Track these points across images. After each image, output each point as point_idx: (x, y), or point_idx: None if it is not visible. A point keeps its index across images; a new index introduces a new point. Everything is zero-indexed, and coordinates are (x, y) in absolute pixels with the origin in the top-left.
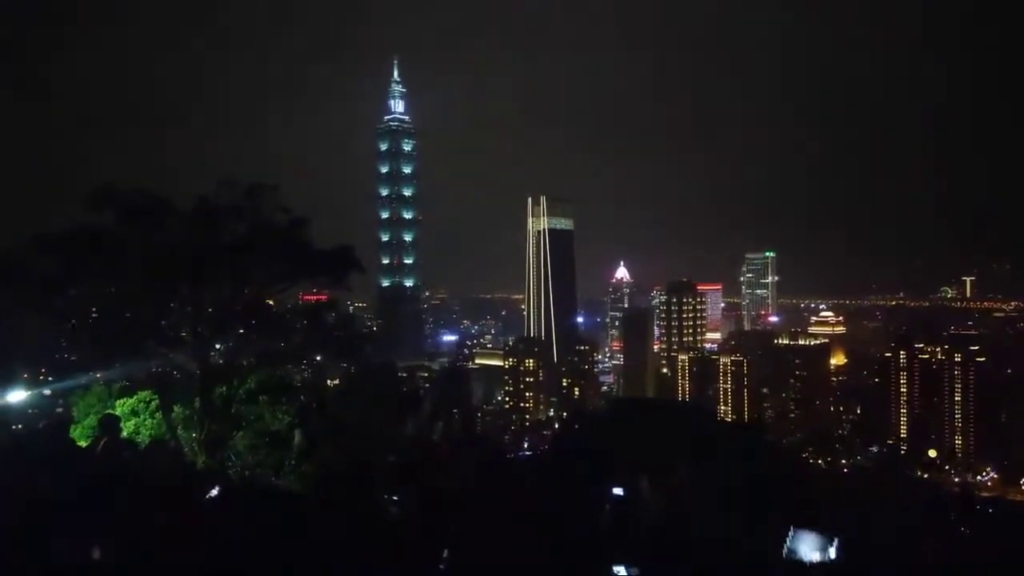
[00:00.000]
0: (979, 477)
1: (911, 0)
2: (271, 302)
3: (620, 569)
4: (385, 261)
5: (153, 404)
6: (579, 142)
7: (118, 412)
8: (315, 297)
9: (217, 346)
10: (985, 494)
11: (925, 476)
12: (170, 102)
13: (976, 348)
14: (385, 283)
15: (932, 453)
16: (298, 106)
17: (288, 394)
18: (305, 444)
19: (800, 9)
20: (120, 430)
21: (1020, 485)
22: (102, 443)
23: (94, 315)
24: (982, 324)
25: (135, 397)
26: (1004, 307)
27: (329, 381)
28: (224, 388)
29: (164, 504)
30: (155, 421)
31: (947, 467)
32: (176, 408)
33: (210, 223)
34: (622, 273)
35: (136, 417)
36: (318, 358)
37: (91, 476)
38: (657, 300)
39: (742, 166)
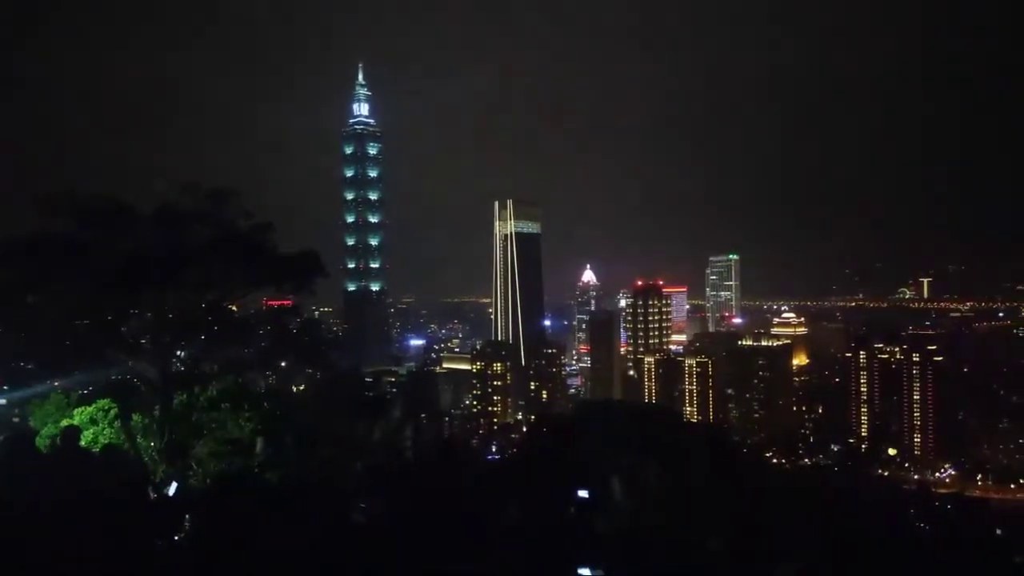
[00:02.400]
0: (938, 474)
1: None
2: (234, 308)
3: (585, 571)
4: (351, 265)
5: (112, 412)
6: (546, 146)
7: (76, 421)
8: (279, 302)
9: (179, 353)
10: (943, 491)
11: (885, 474)
12: (130, 106)
13: (934, 348)
14: (351, 287)
15: (892, 451)
16: (263, 110)
17: (251, 401)
18: (268, 452)
19: (762, 15)
20: (79, 440)
21: (977, 481)
22: (59, 452)
23: (51, 322)
24: (939, 324)
25: (94, 406)
26: (960, 307)
27: (294, 387)
28: (185, 395)
29: (123, 512)
30: (114, 430)
31: (907, 465)
32: (136, 416)
33: (172, 228)
34: (589, 276)
35: (95, 426)
36: (283, 364)
37: (50, 487)
38: (623, 303)
39: (707, 170)
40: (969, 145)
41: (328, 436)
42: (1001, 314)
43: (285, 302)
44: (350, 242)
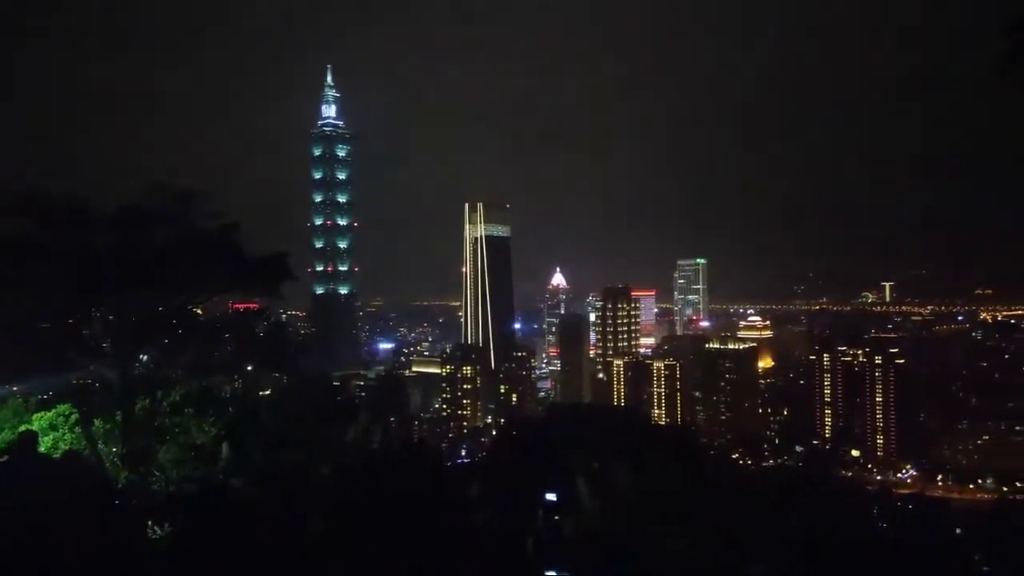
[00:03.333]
0: (899, 474)
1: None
2: (200, 311)
3: (551, 573)
4: (319, 268)
5: (73, 418)
6: (516, 150)
7: (35, 427)
8: (246, 305)
9: (142, 357)
10: (905, 491)
11: (848, 474)
12: (98, 106)
13: (895, 350)
14: (319, 291)
15: (855, 452)
16: (232, 110)
17: (216, 406)
18: (233, 457)
19: (731, 18)
20: (37, 445)
21: (938, 481)
22: (15, 458)
23: (9, 325)
24: (901, 327)
25: (53, 411)
26: (921, 311)
27: (261, 392)
28: (147, 400)
29: (82, 519)
30: (74, 436)
31: (869, 465)
32: (97, 422)
33: (136, 229)
34: (559, 279)
35: (54, 431)
36: (249, 368)
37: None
38: (593, 306)
39: (675, 175)
40: (930, 151)
41: (295, 441)
42: (960, 317)
43: (252, 305)
44: (319, 244)
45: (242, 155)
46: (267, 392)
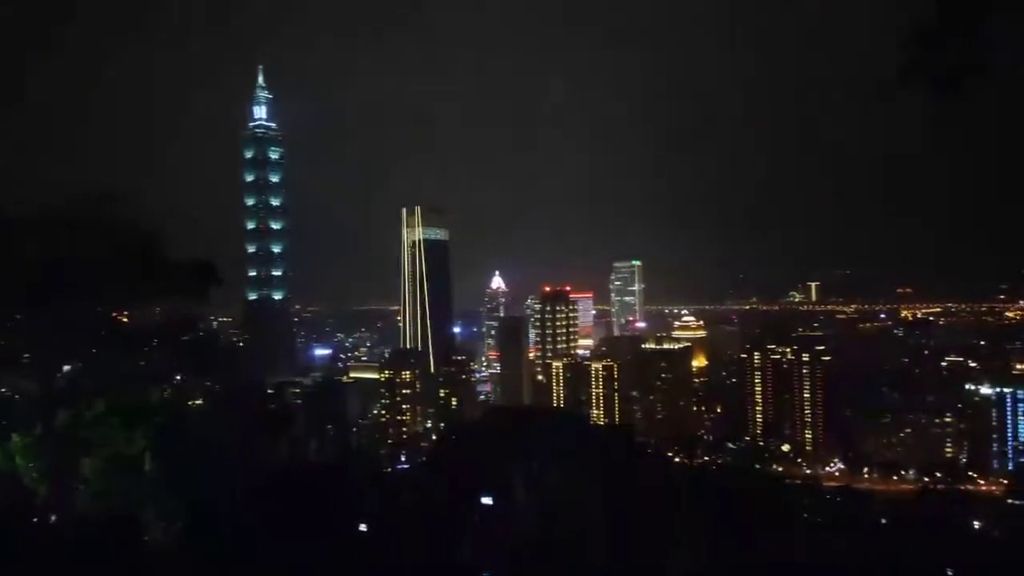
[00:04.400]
0: (828, 468)
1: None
2: (126, 319)
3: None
4: (252, 273)
5: None
6: (453, 153)
7: None
8: (176, 312)
9: (66, 367)
10: (833, 484)
11: (779, 469)
12: (15, 111)
13: (822, 348)
14: (252, 296)
15: (785, 447)
16: (159, 114)
17: (142, 416)
18: (160, 469)
19: (667, 20)
20: None
21: (864, 474)
22: None
23: None
24: (827, 326)
25: None
26: (845, 309)
27: (192, 401)
28: (70, 412)
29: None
30: None
31: (799, 460)
32: (15, 436)
33: (54, 237)
34: (498, 283)
35: None
36: (178, 377)
37: None
38: (532, 309)
39: (610, 178)
40: (853, 155)
41: (227, 451)
42: (883, 315)
43: (182, 312)
44: (251, 249)
45: (169, 158)
46: (198, 401)
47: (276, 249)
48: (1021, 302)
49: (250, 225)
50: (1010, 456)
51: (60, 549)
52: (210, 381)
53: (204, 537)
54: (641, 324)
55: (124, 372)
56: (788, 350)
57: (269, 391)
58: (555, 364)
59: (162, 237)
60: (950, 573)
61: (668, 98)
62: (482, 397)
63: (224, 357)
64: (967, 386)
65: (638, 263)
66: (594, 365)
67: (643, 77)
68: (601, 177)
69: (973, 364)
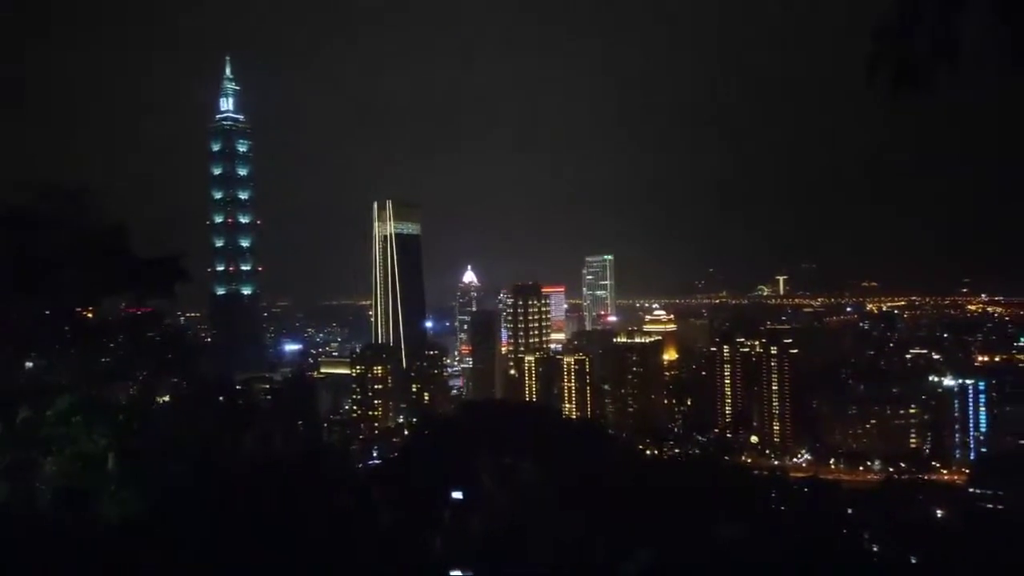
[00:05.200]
0: (795, 459)
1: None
2: (91, 315)
3: (456, 573)
4: (220, 268)
5: None
6: (425, 147)
7: None
8: (141, 309)
9: (28, 364)
10: (800, 475)
11: (748, 460)
12: None
13: (789, 341)
14: (220, 291)
15: (753, 439)
16: (124, 105)
17: (107, 414)
18: (123, 467)
19: (639, 15)
20: None
21: (830, 465)
22: None
23: None
24: (794, 319)
25: None
26: (812, 303)
27: (158, 399)
28: (30, 411)
29: None
30: None
31: (767, 451)
32: None
33: (14, 231)
34: (470, 277)
35: None
36: (144, 374)
37: None
38: (504, 303)
39: (582, 173)
40: (820, 153)
41: (192, 449)
42: (849, 308)
43: (147, 308)
44: (219, 243)
45: (136, 151)
46: (164, 399)
47: (245, 243)
48: (983, 296)
49: (218, 219)
50: (972, 446)
51: (19, 549)
52: (177, 378)
53: (166, 536)
54: (613, 318)
55: (88, 369)
56: (756, 343)
57: (238, 387)
58: (527, 358)
59: (126, 231)
60: (913, 560)
61: (641, 96)
62: (454, 392)
63: (191, 354)
64: (930, 378)
65: (610, 258)
66: (566, 359)
67: (617, 75)
68: (573, 173)
69: (936, 356)
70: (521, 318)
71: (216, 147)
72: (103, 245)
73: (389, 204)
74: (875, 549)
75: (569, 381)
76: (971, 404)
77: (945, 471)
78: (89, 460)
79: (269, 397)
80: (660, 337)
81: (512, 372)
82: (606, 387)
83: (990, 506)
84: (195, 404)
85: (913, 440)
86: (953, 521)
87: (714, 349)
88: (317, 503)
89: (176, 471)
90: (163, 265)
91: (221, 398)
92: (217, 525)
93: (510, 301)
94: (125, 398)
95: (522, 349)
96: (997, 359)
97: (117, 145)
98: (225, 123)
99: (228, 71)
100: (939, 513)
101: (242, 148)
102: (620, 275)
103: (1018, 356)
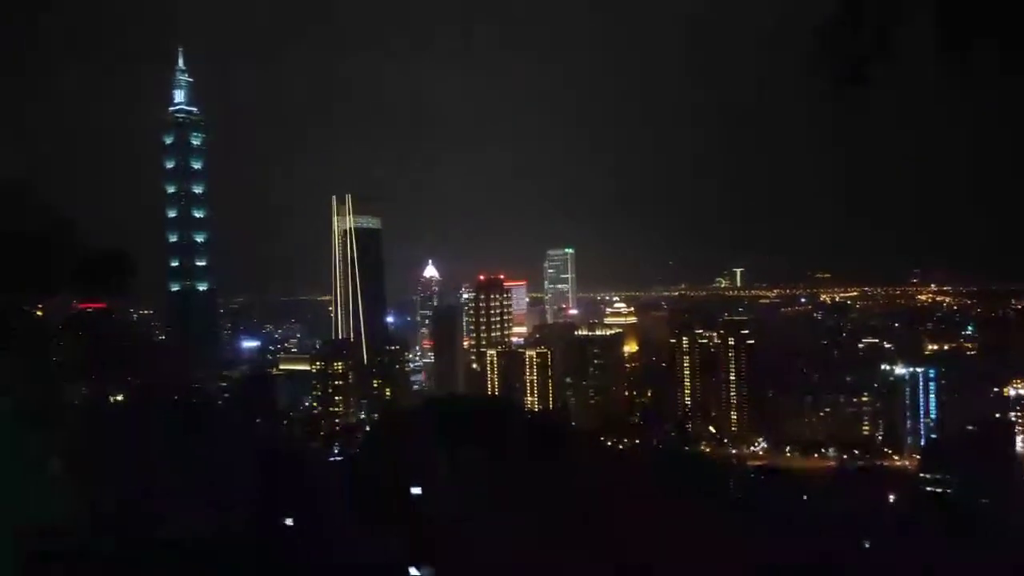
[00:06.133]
0: (752, 447)
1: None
2: (39, 313)
3: (414, 570)
4: (174, 264)
5: None
6: (386, 141)
7: None
8: (93, 306)
9: None
10: (757, 463)
11: (707, 450)
12: None
13: (746, 332)
14: (175, 288)
15: (712, 428)
16: (73, 97)
17: (51, 416)
18: (65, 473)
19: (597, 14)
20: None
21: (786, 453)
22: None
23: None
24: (751, 310)
25: None
26: (768, 294)
27: (110, 398)
28: None
29: None
30: None
31: (725, 440)
32: None
33: None
34: (431, 272)
35: None
36: (94, 373)
37: None
38: (466, 297)
39: (542, 166)
40: (773, 145)
41: (144, 450)
42: (803, 299)
43: (99, 305)
44: (173, 239)
45: (85, 144)
46: (116, 398)
47: (199, 238)
48: (932, 286)
49: (171, 213)
50: (922, 432)
51: None
52: (129, 376)
53: (112, 543)
54: (574, 311)
55: (34, 369)
56: (715, 334)
57: (193, 385)
58: (490, 352)
59: (72, 226)
60: (867, 545)
61: (599, 91)
62: (416, 387)
63: (143, 351)
64: (882, 366)
65: (571, 251)
66: (528, 353)
67: (574, 70)
68: (534, 168)
69: (888, 345)
70: (483, 312)
71: (169, 140)
72: (45, 240)
73: (349, 198)
74: (829, 535)
75: (531, 374)
76: (921, 391)
77: (897, 457)
78: (30, 466)
79: (226, 395)
80: (621, 329)
81: (474, 366)
82: (568, 380)
83: (939, 490)
84: (148, 403)
85: (866, 427)
86: (903, 505)
87: (673, 341)
88: (273, 499)
89: (123, 473)
90: (111, 261)
91: (175, 397)
92: (168, 525)
93: (472, 295)
94: (75, 398)
95: (484, 343)
96: (946, 347)
97: (64, 138)
98: (178, 116)
99: (181, 62)
100: (891, 498)
101: (196, 141)
102: (581, 268)
103: (966, 344)
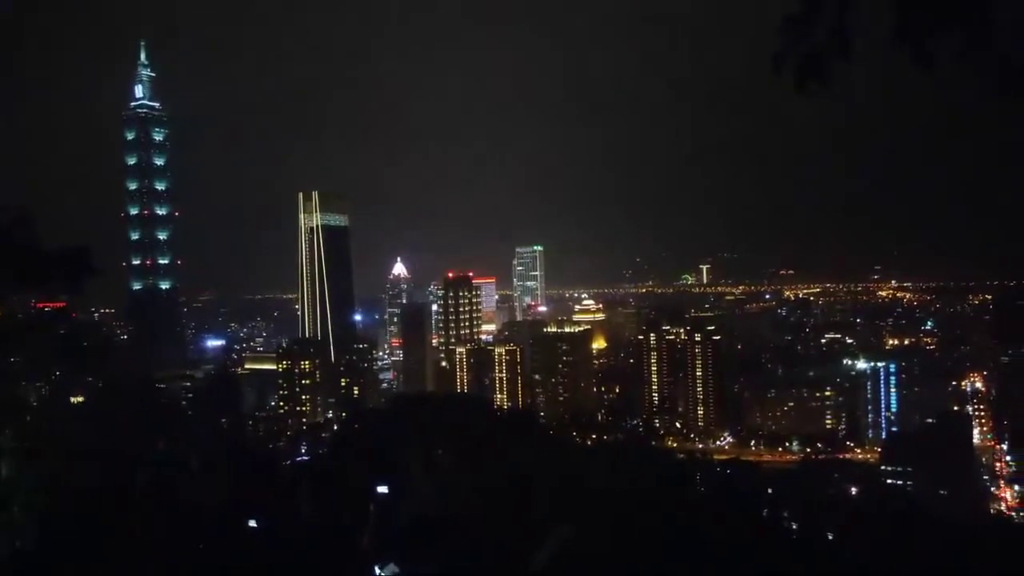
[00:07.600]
0: (718, 442)
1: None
2: None
3: (381, 570)
4: (136, 262)
5: None
6: (352, 138)
7: None
8: (51, 304)
9: None
10: (723, 456)
11: (674, 444)
12: None
13: (712, 328)
14: (137, 286)
15: (678, 423)
16: (33, 92)
17: (13, 415)
18: (23, 473)
19: (567, 13)
20: None
21: (751, 446)
22: None
23: None
24: (717, 306)
25: None
26: (733, 291)
27: (71, 398)
28: None
29: None
30: None
31: (691, 435)
32: None
33: None
34: (399, 269)
35: None
36: (56, 373)
37: None
38: (435, 295)
39: (511, 163)
40: (739, 145)
41: (108, 450)
42: (768, 296)
43: (58, 304)
44: (135, 236)
45: (45, 140)
46: (78, 398)
47: (162, 236)
48: (892, 282)
49: (133, 211)
50: (883, 426)
51: None
52: (90, 377)
53: (68, 547)
54: (543, 308)
55: None
56: (681, 331)
57: (158, 385)
58: (459, 350)
59: (29, 222)
60: (830, 536)
61: (567, 89)
62: (385, 385)
63: (104, 351)
64: (844, 361)
65: (540, 248)
66: (497, 350)
67: (544, 68)
68: (502, 165)
69: (850, 340)
70: (452, 310)
71: (131, 135)
72: (2, 237)
73: (315, 195)
74: (794, 527)
75: (500, 372)
76: (883, 385)
77: (859, 450)
78: None
79: (190, 395)
80: (589, 326)
81: (443, 364)
82: (537, 377)
83: (899, 482)
84: (109, 404)
85: (829, 421)
86: (865, 497)
87: (641, 337)
88: (240, 501)
89: (84, 475)
90: (69, 258)
91: (137, 397)
92: (128, 527)
93: (441, 292)
94: (35, 398)
95: (453, 340)
96: (907, 342)
97: (22, 134)
98: (140, 111)
99: (143, 57)
100: (853, 490)
101: (158, 137)
102: (550, 266)
103: (925, 339)
